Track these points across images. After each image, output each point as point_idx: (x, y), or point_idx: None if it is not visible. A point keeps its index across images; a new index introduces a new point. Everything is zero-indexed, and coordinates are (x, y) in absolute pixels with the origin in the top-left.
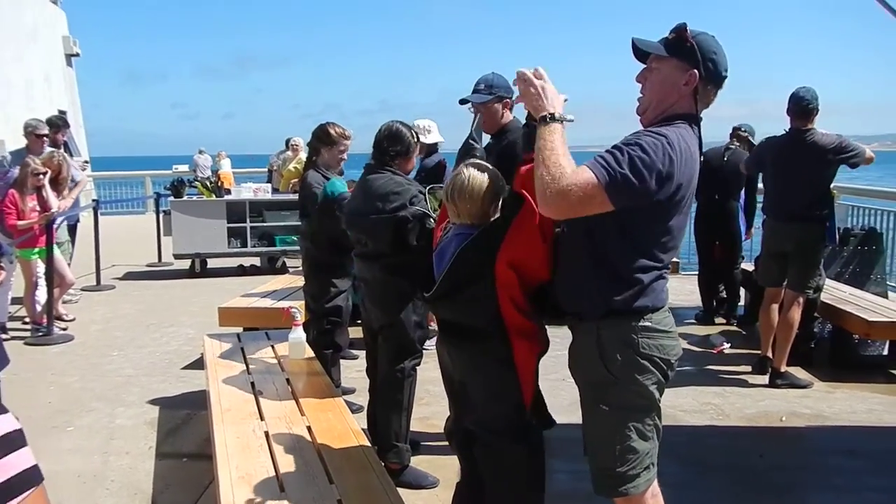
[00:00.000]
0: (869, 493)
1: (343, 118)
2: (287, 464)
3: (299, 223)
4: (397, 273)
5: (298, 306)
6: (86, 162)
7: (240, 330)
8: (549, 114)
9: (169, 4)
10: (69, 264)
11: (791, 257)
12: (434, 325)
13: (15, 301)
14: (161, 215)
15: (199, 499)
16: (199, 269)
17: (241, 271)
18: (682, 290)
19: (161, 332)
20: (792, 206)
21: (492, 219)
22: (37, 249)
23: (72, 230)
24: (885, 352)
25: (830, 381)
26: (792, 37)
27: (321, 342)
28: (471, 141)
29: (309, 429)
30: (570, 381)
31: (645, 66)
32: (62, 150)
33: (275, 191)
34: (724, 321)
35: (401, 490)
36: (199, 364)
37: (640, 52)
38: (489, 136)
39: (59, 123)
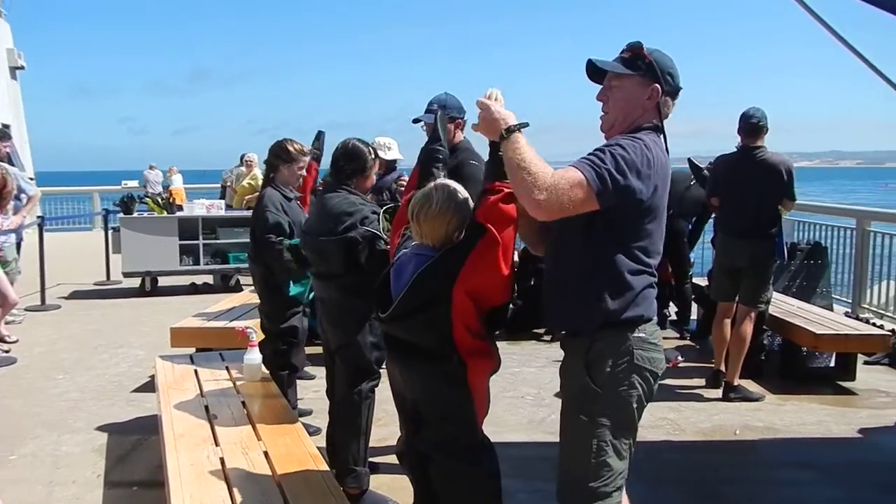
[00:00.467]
0: None
1: (299, 134)
2: (243, 492)
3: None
4: (353, 293)
5: (253, 326)
6: (31, 178)
7: (192, 351)
8: (506, 127)
9: (121, 19)
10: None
11: (744, 272)
12: None
13: None
14: (110, 232)
15: None
16: (150, 287)
17: (194, 290)
18: None
19: (110, 354)
20: (744, 222)
21: (453, 242)
22: None
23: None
24: (832, 363)
25: (781, 393)
26: (736, 55)
27: (277, 363)
28: (437, 146)
29: (266, 454)
30: (528, 398)
31: (603, 85)
32: (4, 163)
33: (228, 207)
34: (677, 335)
35: None
36: (149, 387)
37: (595, 72)
38: None
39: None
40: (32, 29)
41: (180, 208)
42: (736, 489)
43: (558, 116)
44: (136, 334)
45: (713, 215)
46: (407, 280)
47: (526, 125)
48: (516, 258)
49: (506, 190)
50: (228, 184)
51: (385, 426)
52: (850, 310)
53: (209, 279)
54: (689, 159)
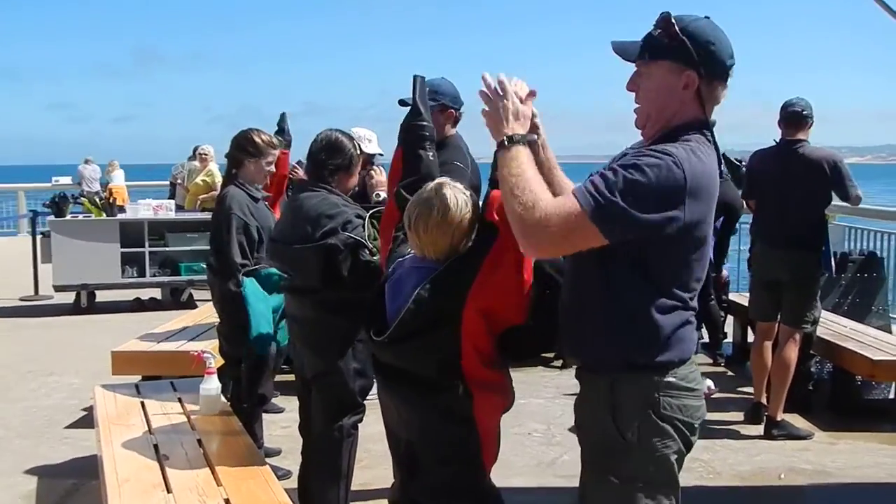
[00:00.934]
0: None
1: (262, 122)
2: None
3: (209, 247)
4: (333, 311)
5: (211, 349)
6: None
7: (138, 379)
8: (507, 136)
9: None
10: None
11: (785, 288)
12: None
13: None
14: (38, 238)
15: None
16: (87, 303)
17: (139, 306)
18: None
19: (39, 383)
20: (783, 229)
21: (460, 252)
22: None
23: None
24: (892, 395)
25: (832, 429)
26: (782, 43)
27: (239, 393)
28: (419, 121)
29: (227, 502)
30: (537, 435)
31: (635, 69)
32: None
33: (179, 208)
34: (710, 361)
35: None
36: (87, 422)
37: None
38: None
39: None
40: None
41: (122, 210)
42: None
43: (564, 106)
44: (71, 359)
45: (746, 220)
46: (407, 297)
47: (534, 139)
48: None
49: None
50: (179, 181)
51: (368, 468)
52: None
53: (157, 293)
54: (723, 154)
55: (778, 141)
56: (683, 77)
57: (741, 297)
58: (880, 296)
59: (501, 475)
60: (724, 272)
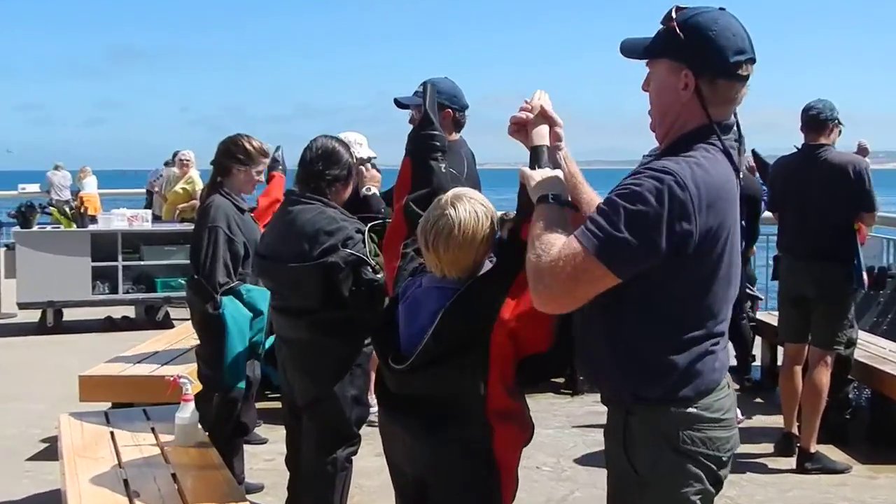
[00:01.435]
0: None
1: (249, 125)
2: None
3: (188, 262)
4: (330, 333)
5: (188, 374)
6: None
7: (108, 406)
8: (541, 195)
9: None
10: None
11: (813, 305)
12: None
13: None
14: (2, 251)
15: None
16: (53, 321)
17: (110, 325)
18: None
19: None
20: (807, 239)
21: (483, 269)
22: None
23: None
24: None
25: (872, 462)
26: (802, 39)
27: (219, 422)
28: (430, 130)
29: None
30: (546, 469)
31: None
32: None
33: (156, 219)
34: (737, 386)
35: None
36: (51, 454)
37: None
38: None
39: None
40: None
41: (94, 220)
42: None
43: (572, 108)
44: (34, 384)
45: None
46: (427, 319)
47: (569, 203)
48: None
49: None
50: (156, 189)
51: None
52: None
53: (130, 312)
54: (752, 150)
55: (800, 147)
56: (681, 76)
57: (770, 316)
58: None
59: None
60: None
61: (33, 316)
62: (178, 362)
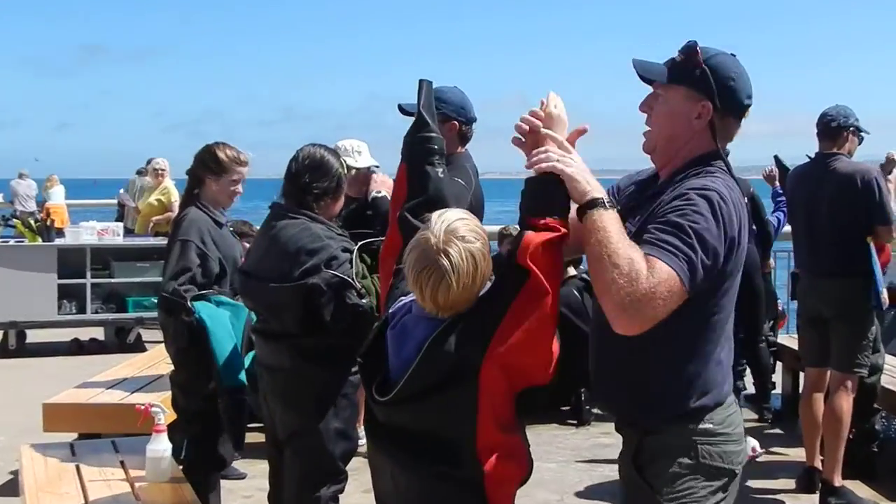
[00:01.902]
0: None
1: (229, 131)
2: None
3: (161, 280)
4: (313, 360)
5: (161, 402)
6: None
7: (74, 437)
8: (590, 199)
9: None
10: None
11: (831, 326)
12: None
13: None
14: None
15: None
16: (15, 344)
17: (77, 348)
18: None
19: None
20: (819, 253)
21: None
22: None
23: None
24: None
25: None
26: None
27: (194, 456)
28: (426, 132)
29: None
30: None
31: (651, 92)
32: None
33: (128, 232)
34: (755, 416)
35: None
36: (11, 489)
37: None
38: None
39: None
40: None
41: (61, 233)
42: None
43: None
44: None
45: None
46: (414, 350)
47: (614, 205)
48: None
49: (561, 230)
50: (128, 200)
51: None
52: None
53: (99, 334)
54: (775, 157)
55: (812, 156)
56: (698, 106)
57: (791, 340)
58: None
59: None
60: (780, 305)
61: None
62: (151, 389)
